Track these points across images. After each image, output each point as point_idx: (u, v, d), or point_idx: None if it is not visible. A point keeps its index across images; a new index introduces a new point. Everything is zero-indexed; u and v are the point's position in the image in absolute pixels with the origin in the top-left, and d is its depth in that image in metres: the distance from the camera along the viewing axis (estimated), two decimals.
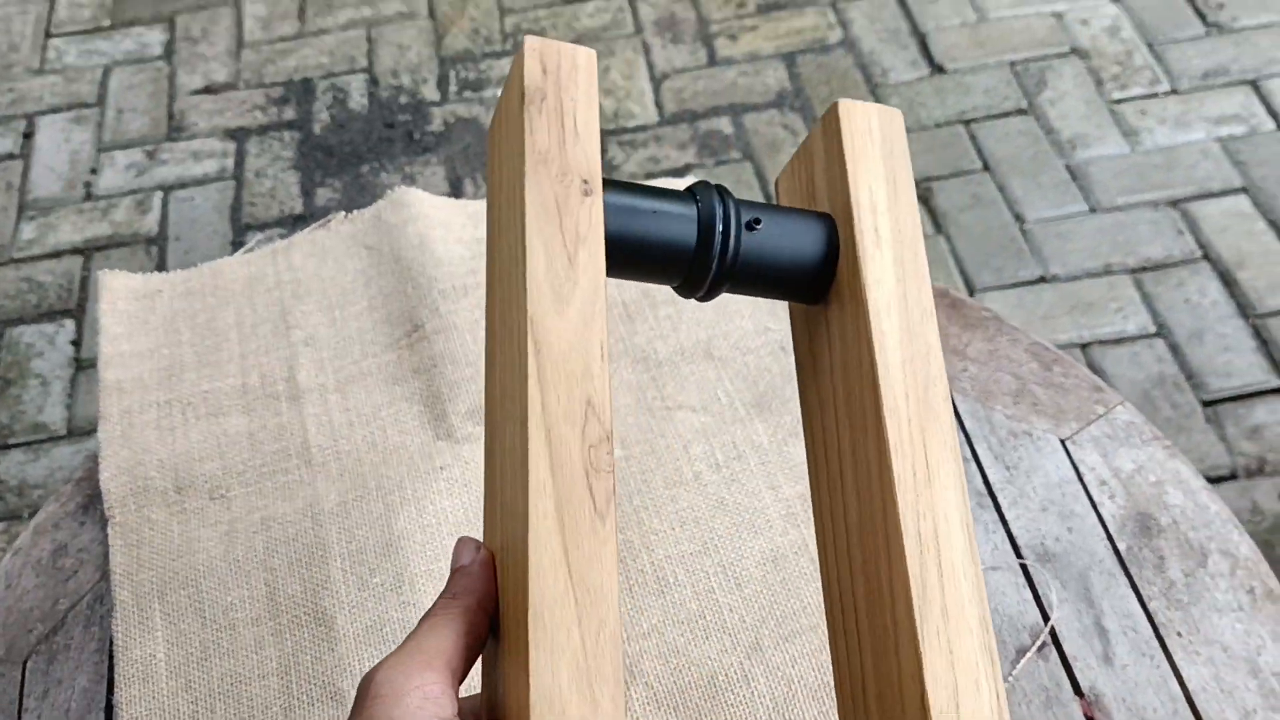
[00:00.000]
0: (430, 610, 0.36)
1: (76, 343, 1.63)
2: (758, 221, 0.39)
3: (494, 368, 0.38)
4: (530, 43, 0.37)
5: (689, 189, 0.40)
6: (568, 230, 0.35)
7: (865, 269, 0.38)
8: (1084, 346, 1.50)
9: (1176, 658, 0.58)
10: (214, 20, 2.05)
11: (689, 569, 0.63)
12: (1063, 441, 0.66)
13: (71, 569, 0.67)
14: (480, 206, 0.82)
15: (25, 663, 0.63)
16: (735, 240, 0.39)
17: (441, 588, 0.64)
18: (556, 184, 0.36)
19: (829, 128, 0.41)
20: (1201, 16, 1.87)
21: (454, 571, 0.37)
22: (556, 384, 0.33)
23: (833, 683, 0.59)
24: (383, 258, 0.78)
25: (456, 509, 0.66)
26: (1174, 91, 1.77)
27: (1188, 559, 0.61)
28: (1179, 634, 0.59)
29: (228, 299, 0.78)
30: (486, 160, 0.41)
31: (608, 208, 0.37)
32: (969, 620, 0.33)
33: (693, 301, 0.75)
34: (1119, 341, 1.50)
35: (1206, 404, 1.44)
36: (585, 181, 0.36)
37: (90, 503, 0.70)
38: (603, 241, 0.36)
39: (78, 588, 0.66)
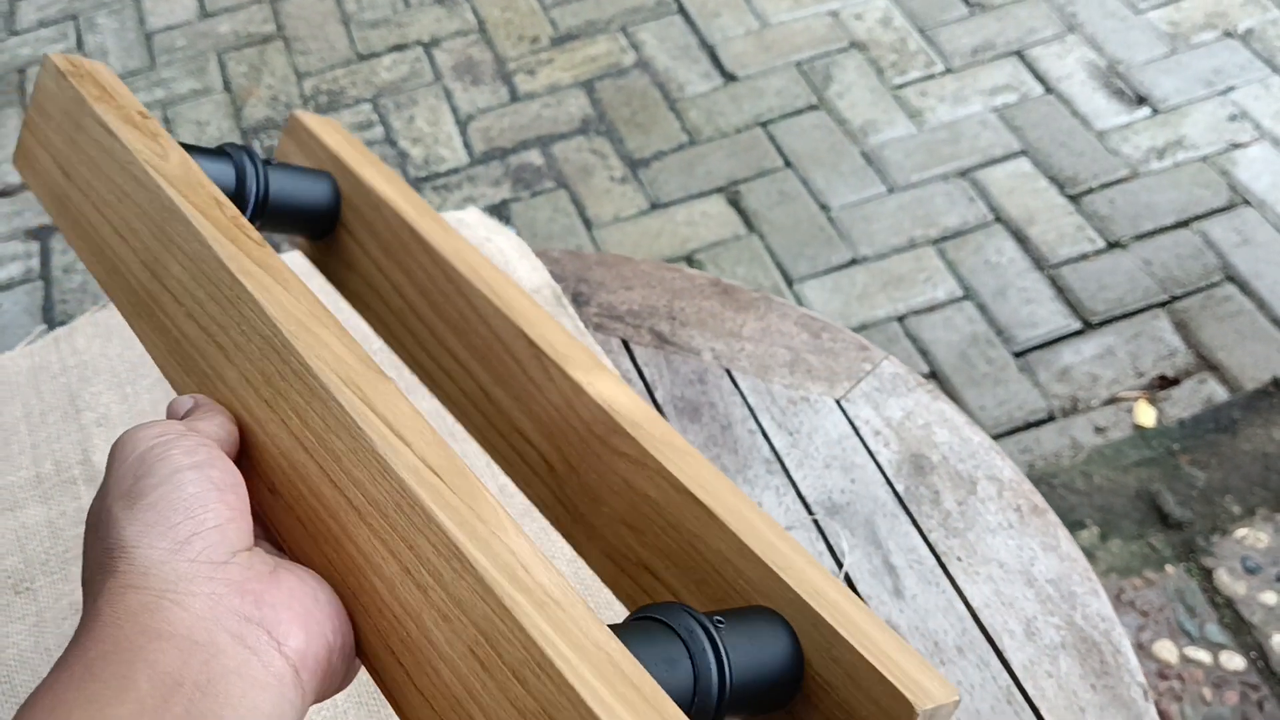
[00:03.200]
0: None
1: None
2: (270, 161, 0.52)
3: (116, 242, 0.45)
4: (52, 55, 0.48)
5: (219, 148, 0.51)
6: (144, 129, 0.45)
7: (365, 178, 0.53)
8: (900, 319, 1.57)
9: (959, 580, 0.62)
10: (1, 122, 1.99)
11: None
12: (837, 401, 0.70)
13: None
14: None
15: None
16: (265, 181, 0.50)
17: None
18: (118, 111, 0.46)
19: (295, 127, 0.58)
20: None
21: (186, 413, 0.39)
22: (187, 193, 0.42)
23: None
24: None
25: None
26: (949, 71, 1.88)
27: (959, 489, 0.66)
28: (959, 559, 0.63)
29: (13, 392, 0.77)
30: (25, 153, 0.50)
31: None
32: (528, 305, 0.49)
33: None
34: (931, 309, 1.58)
35: (1017, 355, 1.52)
36: (139, 112, 0.47)
37: None
38: (174, 139, 0.45)
39: None
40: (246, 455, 0.38)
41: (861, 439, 0.68)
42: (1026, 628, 0.60)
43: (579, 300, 0.78)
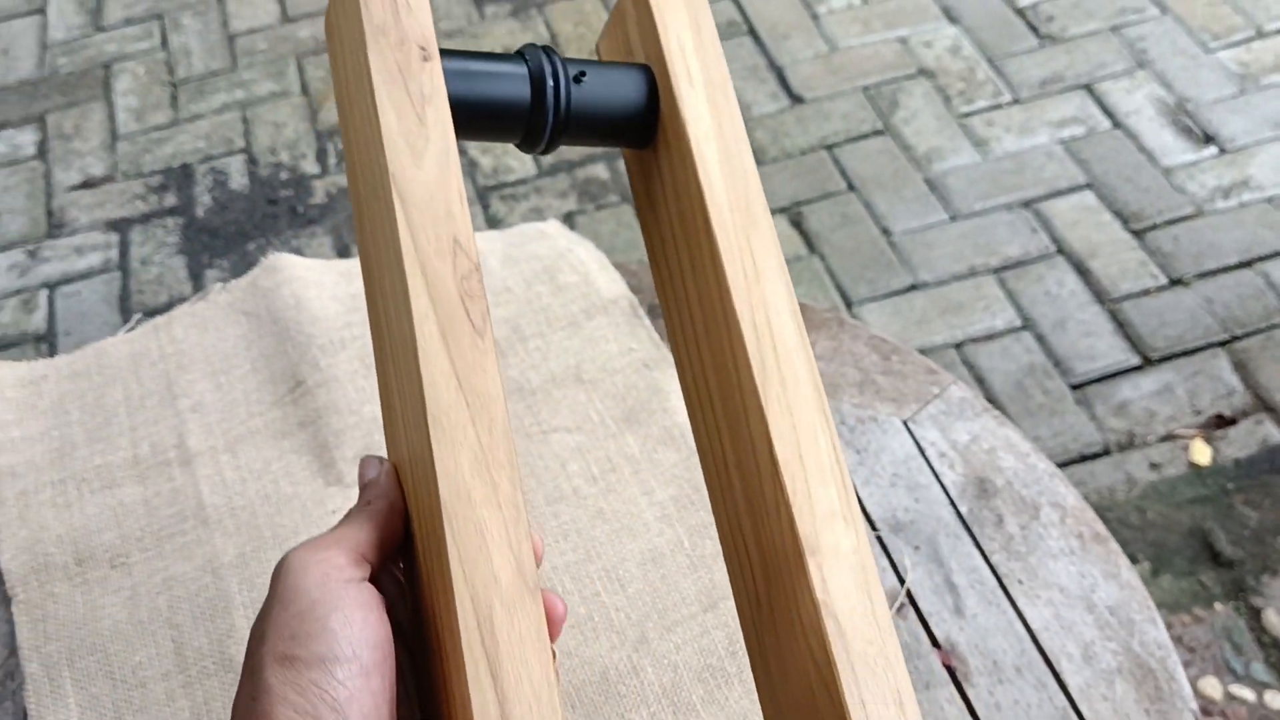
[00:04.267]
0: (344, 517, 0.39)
1: None
2: (583, 74, 0.43)
3: (369, 247, 0.41)
4: None
5: (518, 51, 0.44)
6: (413, 92, 0.39)
7: (683, 107, 0.42)
8: (958, 346, 1.58)
9: (1020, 603, 0.64)
10: (85, 116, 2.06)
11: (575, 576, 0.67)
12: (905, 422, 0.72)
13: None
14: (352, 264, 0.86)
15: None
16: (566, 92, 0.42)
17: None
18: (396, 52, 0.39)
19: None
20: (1034, 30, 2.00)
21: (362, 487, 0.39)
22: (423, 227, 0.37)
23: (713, 664, 0.63)
24: (261, 321, 0.82)
25: None
26: (1016, 101, 1.89)
27: (1022, 514, 0.68)
28: (1020, 581, 0.65)
29: (114, 377, 0.81)
30: (329, 52, 0.45)
31: (447, 73, 0.41)
32: (804, 388, 0.39)
33: (559, 333, 0.80)
34: (990, 337, 1.59)
35: (1075, 387, 1.53)
36: (423, 48, 0.40)
37: None
38: (446, 100, 0.40)
39: None
40: (410, 574, 0.38)
41: (927, 460, 0.70)
42: (1084, 651, 0.62)
43: (654, 313, 0.80)
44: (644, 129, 0.44)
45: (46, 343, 1.71)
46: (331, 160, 1.93)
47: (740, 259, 0.40)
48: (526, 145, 0.44)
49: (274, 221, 1.86)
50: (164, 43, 2.19)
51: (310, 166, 1.92)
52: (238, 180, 1.92)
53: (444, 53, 0.41)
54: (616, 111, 0.44)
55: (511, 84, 0.42)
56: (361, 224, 0.42)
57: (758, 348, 0.39)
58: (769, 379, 0.38)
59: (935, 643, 0.63)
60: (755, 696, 0.62)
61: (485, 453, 0.35)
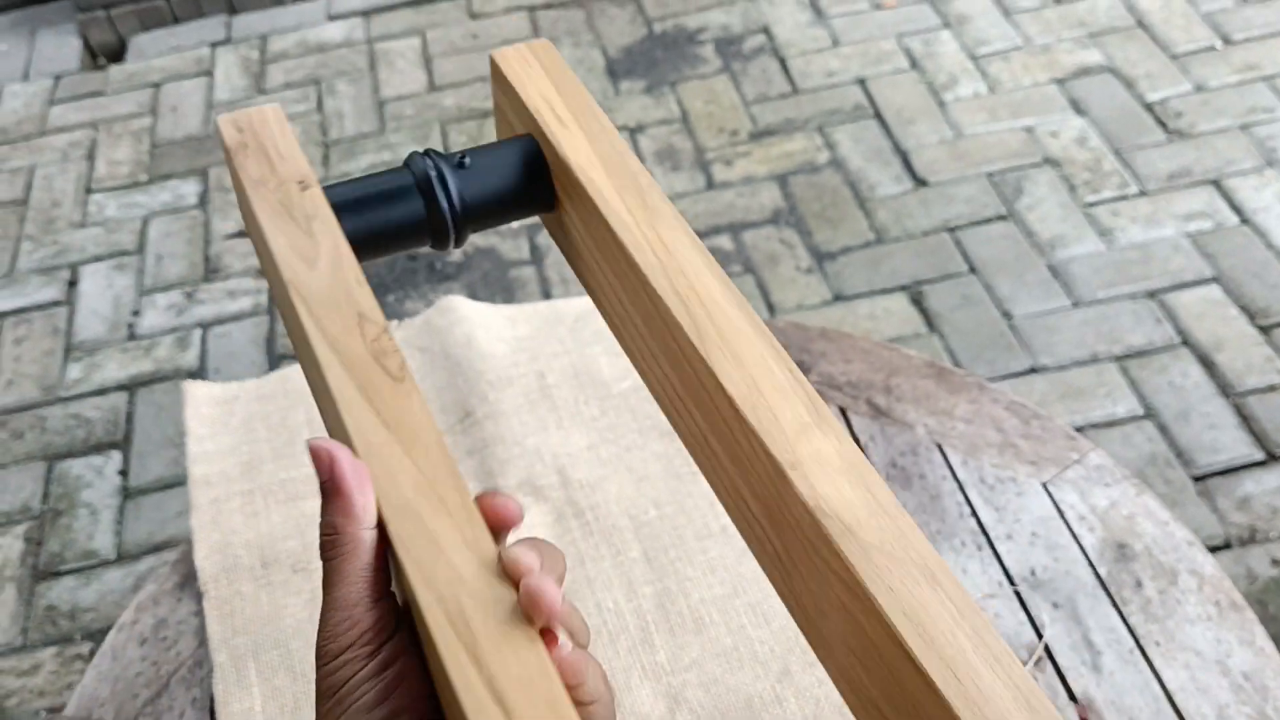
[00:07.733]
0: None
1: (124, 472, 1.72)
2: (465, 158, 0.45)
3: (300, 355, 0.42)
4: (222, 118, 0.46)
5: (404, 163, 0.45)
6: (297, 215, 0.42)
7: (563, 149, 0.44)
8: (1078, 431, 1.59)
9: (1156, 663, 0.66)
10: None
11: (721, 609, 0.71)
12: (1044, 484, 0.75)
13: (173, 639, 0.75)
14: (517, 310, 0.93)
15: None
16: (455, 184, 0.44)
17: None
18: (276, 193, 0.43)
19: (496, 74, 0.49)
20: (1162, 124, 2.02)
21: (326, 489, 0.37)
22: (326, 314, 0.39)
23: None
24: (434, 356, 0.88)
25: None
26: (1143, 193, 1.90)
27: (1160, 578, 0.70)
28: (1157, 643, 0.67)
29: (297, 400, 0.88)
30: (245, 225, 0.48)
31: (337, 206, 0.43)
32: (744, 331, 0.39)
33: None
34: (1110, 424, 1.59)
35: (1197, 479, 1.52)
36: (300, 181, 0.43)
37: (186, 582, 0.78)
38: (332, 214, 0.42)
39: (178, 655, 0.74)
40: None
41: (1066, 522, 0.73)
42: (1219, 713, 0.64)
43: (800, 368, 0.85)
44: (542, 193, 0.46)
45: (197, 379, 1.82)
46: None
47: (649, 245, 0.42)
48: (438, 245, 0.46)
49: (412, 276, 1.95)
50: (319, 106, 2.34)
51: None
52: None
53: (327, 188, 0.44)
54: (511, 185, 0.46)
55: (401, 196, 0.44)
56: (291, 338, 0.43)
57: (686, 312, 0.40)
58: (705, 335, 0.39)
59: (1073, 697, 0.65)
60: None
61: (426, 475, 0.35)
